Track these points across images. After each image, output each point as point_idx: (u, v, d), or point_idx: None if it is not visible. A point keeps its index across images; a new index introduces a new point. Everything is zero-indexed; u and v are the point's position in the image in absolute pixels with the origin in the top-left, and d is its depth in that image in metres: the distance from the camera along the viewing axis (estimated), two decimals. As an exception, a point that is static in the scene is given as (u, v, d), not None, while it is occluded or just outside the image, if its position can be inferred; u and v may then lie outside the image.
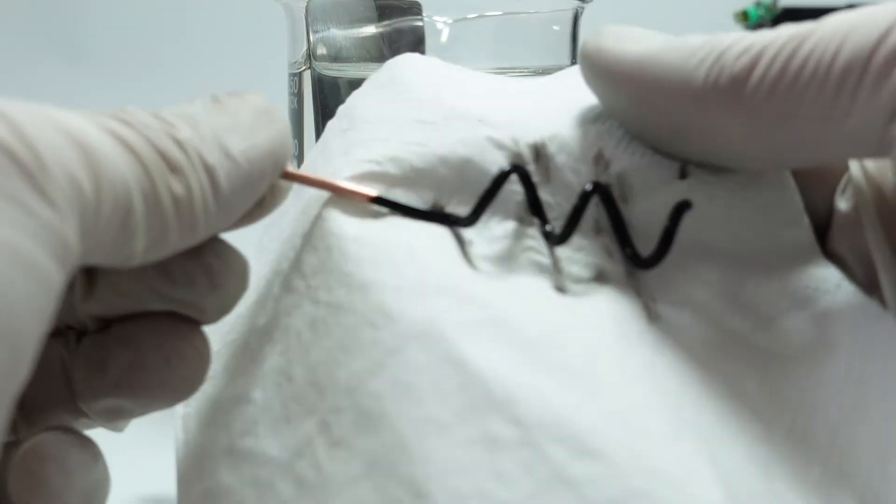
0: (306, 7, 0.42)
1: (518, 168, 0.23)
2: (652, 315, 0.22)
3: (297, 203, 0.25)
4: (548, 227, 0.23)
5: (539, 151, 0.24)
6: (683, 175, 0.24)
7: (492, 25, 0.43)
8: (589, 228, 0.23)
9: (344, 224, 0.23)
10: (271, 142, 0.23)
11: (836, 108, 0.21)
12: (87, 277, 0.24)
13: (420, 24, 0.42)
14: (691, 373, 0.21)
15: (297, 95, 0.45)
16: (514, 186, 0.24)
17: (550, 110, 0.25)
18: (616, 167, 0.24)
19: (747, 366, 0.21)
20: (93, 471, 0.24)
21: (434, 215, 0.23)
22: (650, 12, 0.87)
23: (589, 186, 0.23)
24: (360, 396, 0.21)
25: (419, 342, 0.21)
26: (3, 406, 0.17)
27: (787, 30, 0.22)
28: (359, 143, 0.25)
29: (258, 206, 0.24)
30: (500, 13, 0.42)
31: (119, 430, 0.25)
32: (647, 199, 0.23)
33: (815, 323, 0.22)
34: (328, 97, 0.43)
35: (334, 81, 0.43)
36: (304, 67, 0.44)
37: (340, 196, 0.24)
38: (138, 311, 0.24)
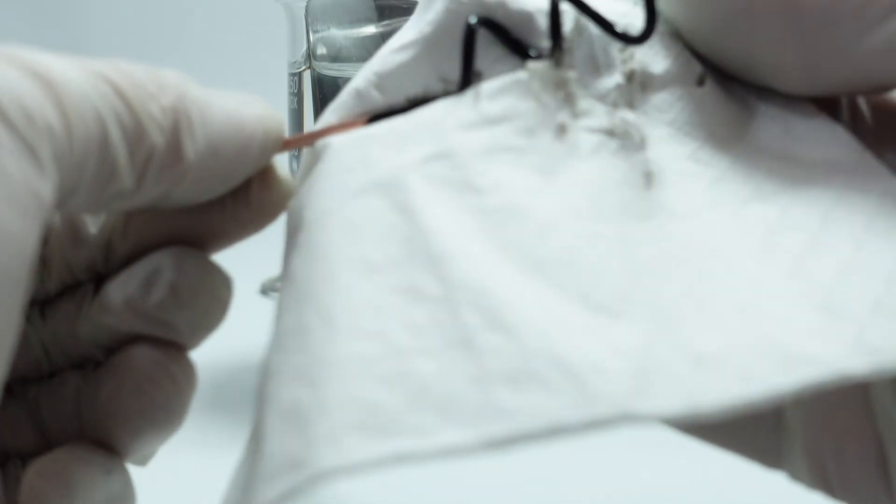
0: (306, 7, 0.42)
1: (486, 21, 0.23)
2: (650, 180, 0.21)
3: None
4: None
5: (577, 21, 0.23)
6: (701, 83, 0.23)
7: (492, 25, 0.43)
8: (612, 87, 0.23)
9: None
10: (262, 112, 0.23)
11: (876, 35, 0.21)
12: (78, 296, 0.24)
13: (420, 24, 0.42)
14: (677, 237, 0.20)
15: (297, 95, 0.45)
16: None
17: None
18: (639, 59, 0.23)
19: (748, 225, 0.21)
20: (105, 486, 0.23)
21: (429, 98, 0.23)
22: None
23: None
24: (315, 230, 0.21)
25: (382, 189, 0.21)
26: None
27: None
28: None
29: (259, 210, 0.23)
30: (500, 13, 0.42)
31: (141, 464, 0.25)
32: (664, 91, 0.23)
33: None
34: (328, 97, 0.43)
35: (334, 81, 0.43)
36: (304, 67, 0.44)
37: (338, 132, 0.24)
38: (126, 336, 0.24)
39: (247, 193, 0.23)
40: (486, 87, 0.22)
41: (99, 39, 0.80)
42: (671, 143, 0.22)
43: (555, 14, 0.23)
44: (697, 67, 0.23)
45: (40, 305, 0.24)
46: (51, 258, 0.24)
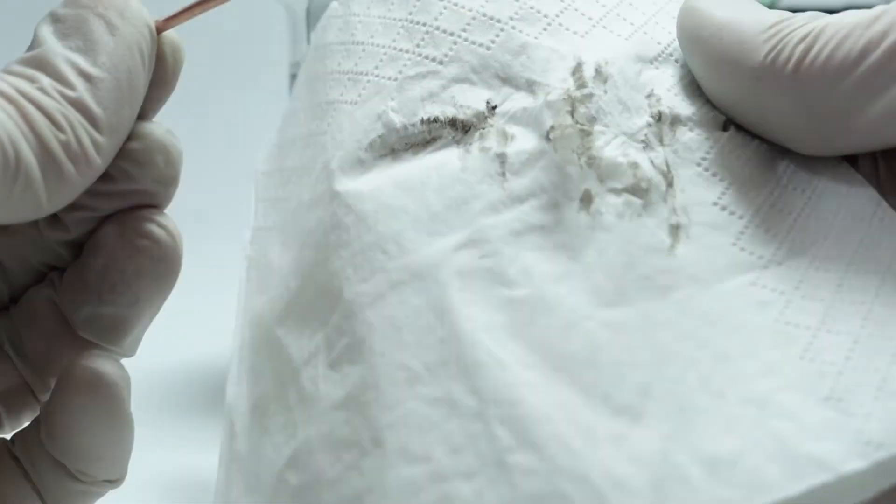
0: (306, 7, 0.42)
1: None
2: (675, 236, 0.22)
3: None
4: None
5: (599, 69, 0.24)
6: (725, 128, 0.24)
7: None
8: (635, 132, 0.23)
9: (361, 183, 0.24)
10: (126, 34, 0.23)
11: (880, 99, 0.21)
12: None
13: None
14: (698, 313, 0.21)
15: (298, 95, 0.45)
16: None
17: (613, 39, 0.25)
18: (666, 104, 0.24)
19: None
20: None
21: None
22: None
23: None
24: (357, 323, 0.22)
25: (418, 282, 0.22)
26: None
27: (850, 17, 0.22)
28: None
29: (162, 81, 0.24)
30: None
31: (131, 352, 0.25)
32: (692, 131, 0.24)
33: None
34: (328, 97, 0.43)
35: (334, 81, 0.43)
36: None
37: (212, 6, 0.26)
38: (97, 221, 0.24)
39: (157, 81, 0.25)
40: (512, 158, 0.23)
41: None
42: (700, 184, 0.23)
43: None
44: (721, 115, 0.24)
45: None
46: None
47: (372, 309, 0.22)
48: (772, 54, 0.22)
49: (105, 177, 0.23)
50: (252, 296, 0.25)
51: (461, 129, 0.24)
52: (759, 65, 0.22)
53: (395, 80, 0.25)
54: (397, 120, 0.24)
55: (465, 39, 0.25)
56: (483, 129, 0.24)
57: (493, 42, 0.25)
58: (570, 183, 0.22)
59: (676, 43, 0.25)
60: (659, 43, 0.25)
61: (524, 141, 0.23)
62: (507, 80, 0.24)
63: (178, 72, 0.25)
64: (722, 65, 0.23)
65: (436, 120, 0.24)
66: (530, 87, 0.24)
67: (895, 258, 0.22)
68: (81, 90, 0.22)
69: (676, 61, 0.25)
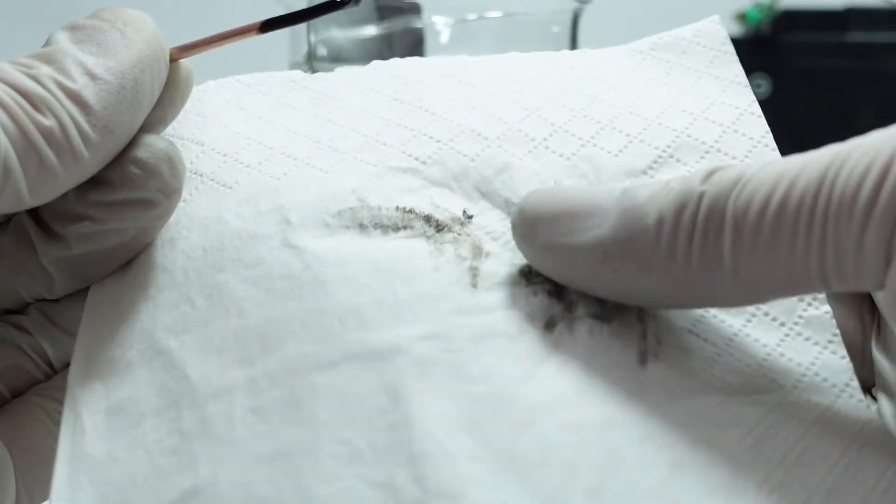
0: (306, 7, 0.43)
1: None
2: (645, 357, 0.22)
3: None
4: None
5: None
6: None
7: (492, 26, 0.43)
8: None
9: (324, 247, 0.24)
10: (139, 49, 0.23)
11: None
12: (36, 223, 0.24)
13: (420, 25, 0.42)
14: (664, 421, 0.21)
15: (298, 96, 0.45)
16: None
17: (601, 157, 0.25)
18: None
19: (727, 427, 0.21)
20: None
21: (324, 7, 0.24)
22: (648, 13, 0.86)
23: None
24: (300, 382, 0.21)
25: (375, 362, 0.21)
26: None
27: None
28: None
29: (170, 102, 0.24)
30: (500, 14, 0.43)
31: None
32: None
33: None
34: (328, 98, 0.43)
35: (335, 82, 0.43)
36: (304, 68, 0.44)
37: (232, 41, 0.25)
38: (100, 238, 0.24)
39: (164, 105, 0.25)
40: (484, 275, 0.23)
41: (99, 40, 0.80)
42: (674, 313, 0.22)
43: None
44: None
45: None
46: None
47: (320, 374, 0.21)
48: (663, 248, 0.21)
49: (106, 185, 0.23)
50: (126, 279, 0.24)
51: (434, 226, 0.24)
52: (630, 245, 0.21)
53: (375, 166, 0.25)
54: (373, 199, 0.24)
55: (451, 148, 0.25)
56: (458, 235, 0.24)
57: (477, 155, 0.25)
58: (540, 310, 0.22)
59: (679, 140, 0.24)
60: (656, 147, 0.25)
61: (498, 264, 0.23)
62: (486, 194, 0.24)
63: (187, 96, 0.26)
64: (580, 268, 0.22)
65: (411, 211, 0.24)
66: (507, 206, 0.24)
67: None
68: (81, 84, 0.22)
69: (677, 161, 0.24)
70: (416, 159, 0.25)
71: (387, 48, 0.43)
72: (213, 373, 0.22)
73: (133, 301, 0.23)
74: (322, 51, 0.43)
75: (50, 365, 0.25)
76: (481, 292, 0.23)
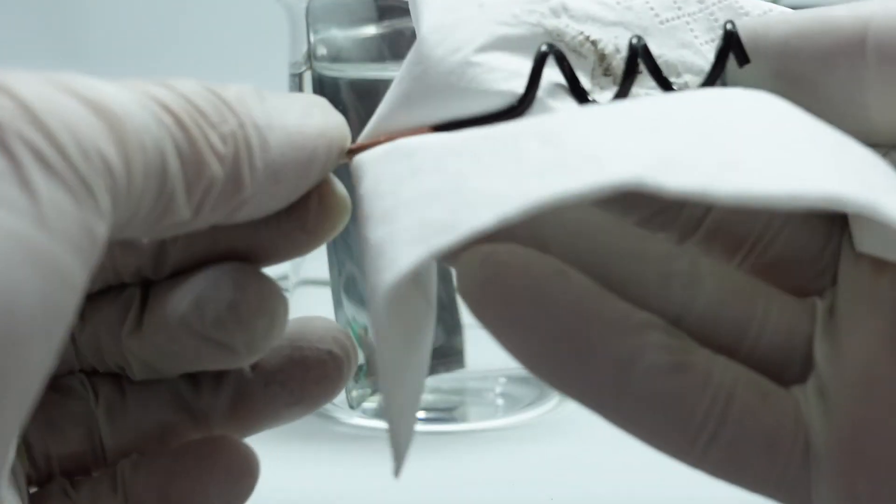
0: (307, 7, 0.42)
1: (552, 47, 0.24)
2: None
3: None
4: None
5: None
6: None
7: (492, 26, 0.43)
8: None
9: None
10: (322, 122, 0.22)
11: None
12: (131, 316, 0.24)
13: (420, 24, 0.42)
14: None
15: (298, 96, 0.45)
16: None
17: None
18: None
19: None
20: None
21: (487, 118, 0.24)
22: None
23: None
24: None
25: None
26: (11, 410, 0.16)
27: None
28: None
29: (314, 234, 0.23)
30: (501, 14, 0.42)
31: None
32: None
33: None
34: (328, 98, 0.43)
35: (335, 82, 0.43)
36: (304, 68, 0.44)
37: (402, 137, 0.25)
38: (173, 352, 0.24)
39: (304, 214, 0.23)
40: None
41: (98, 39, 0.80)
42: None
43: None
44: None
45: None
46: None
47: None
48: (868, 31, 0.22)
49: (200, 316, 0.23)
50: None
51: (603, 69, 0.25)
52: (857, 44, 0.22)
53: None
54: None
55: (648, 5, 0.26)
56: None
57: (667, 21, 0.26)
58: None
59: None
60: None
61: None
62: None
63: (331, 229, 0.24)
64: (812, 65, 0.23)
65: (594, 43, 0.25)
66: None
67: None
68: (262, 118, 0.21)
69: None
70: None
71: (387, 48, 0.43)
72: None
73: None
74: (322, 50, 0.43)
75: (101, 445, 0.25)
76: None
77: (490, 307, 0.23)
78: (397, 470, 0.21)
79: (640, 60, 0.24)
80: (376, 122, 0.24)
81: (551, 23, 0.25)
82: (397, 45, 0.42)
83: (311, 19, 0.43)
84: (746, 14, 0.26)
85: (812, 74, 0.23)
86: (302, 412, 0.25)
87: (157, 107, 0.19)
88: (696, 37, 0.25)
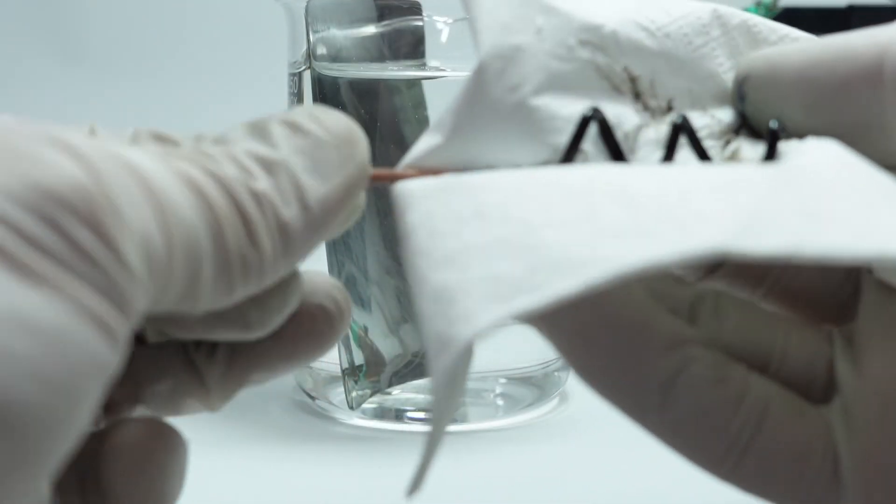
0: (306, 7, 0.42)
1: (597, 112, 0.24)
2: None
3: None
4: None
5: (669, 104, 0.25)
6: None
7: (492, 25, 0.43)
8: None
9: None
10: (350, 176, 0.22)
11: None
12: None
13: (420, 24, 0.42)
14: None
15: (297, 95, 0.45)
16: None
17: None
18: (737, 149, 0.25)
19: None
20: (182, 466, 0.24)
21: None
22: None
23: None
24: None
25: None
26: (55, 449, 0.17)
27: None
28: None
29: (313, 326, 0.24)
30: (500, 13, 0.42)
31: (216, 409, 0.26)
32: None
33: None
34: (328, 97, 0.43)
35: (334, 81, 0.43)
36: (304, 67, 0.44)
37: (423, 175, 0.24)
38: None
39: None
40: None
41: (98, 39, 0.80)
42: None
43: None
44: None
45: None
46: None
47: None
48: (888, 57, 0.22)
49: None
50: None
51: (633, 96, 0.25)
52: (875, 70, 0.22)
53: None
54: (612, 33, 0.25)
55: (682, 32, 0.26)
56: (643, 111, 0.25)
57: (697, 49, 0.26)
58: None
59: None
60: None
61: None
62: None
63: (331, 334, 0.25)
64: (832, 95, 0.23)
65: (630, 73, 0.25)
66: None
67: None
68: (292, 216, 0.21)
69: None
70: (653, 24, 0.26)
71: (387, 47, 0.43)
72: None
73: None
74: (322, 50, 0.43)
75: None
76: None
77: (552, 318, 0.24)
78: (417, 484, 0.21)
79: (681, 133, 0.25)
80: (426, 151, 0.24)
81: (602, 60, 0.25)
82: (397, 44, 0.42)
83: (311, 19, 0.43)
84: (765, 39, 0.26)
85: (830, 102, 0.23)
86: (297, 365, 0.25)
87: (197, 196, 0.20)
88: (720, 64, 0.26)
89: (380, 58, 0.43)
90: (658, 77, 0.25)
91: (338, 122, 0.22)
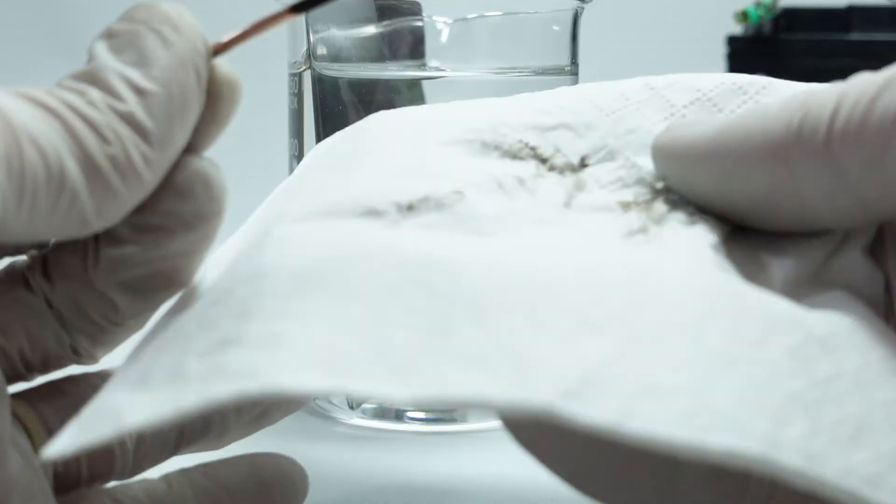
0: (306, 7, 0.42)
1: None
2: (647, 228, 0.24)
3: None
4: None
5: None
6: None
7: (492, 25, 0.43)
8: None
9: None
10: (180, 48, 0.23)
11: None
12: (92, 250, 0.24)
13: (420, 24, 0.42)
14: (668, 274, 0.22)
15: (298, 95, 0.45)
16: None
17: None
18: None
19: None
20: None
21: None
22: (651, 13, 0.86)
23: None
24: None
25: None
26: None
27: (868, 76, 0.22)
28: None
29: (219, 108, 0.24)
30: (500, 13, 0.42)
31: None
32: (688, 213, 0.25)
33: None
34: (328, 97, 0.43)
35: (334, 81, 0.43)
36: (304, 67, 0.44)
37: (270, 27, 0.27)
38: (144, 266, 0.24)
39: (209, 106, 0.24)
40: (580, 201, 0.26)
41: (99, 39, 0.80)
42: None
43: None
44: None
45: (41, 267, 0.24)
46: None
47: None
48: (794, 128, 0.22)
49: (142, 209, 0.23)
50: None
51: (547, 167, 0.26)
52: (784, 142, 0.22)
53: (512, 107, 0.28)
54: (503, 128, 0.26)
55: (592, 102, 0.27)
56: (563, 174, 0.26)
57: (613, 112, 0.27)
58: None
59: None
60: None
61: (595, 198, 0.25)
62: (611, 149, 0.26)
63: (233, 111, 0.25)
64: (739, 167, 0.23)
65: (534, 149, 0.26)
66: (627, 162, 0.26)
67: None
68: (132, 104, 0.22)
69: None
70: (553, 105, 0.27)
71: (387, 47, 0.43)
72: None
73: None
74: (322, 50, 0.43)
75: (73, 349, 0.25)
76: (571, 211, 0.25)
77: (542, 444, 0.25)
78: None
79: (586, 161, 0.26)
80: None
81: (489, 136, 0.26)
82: (397, 44, 0.42)
83: (311, 19, 0.43)
84: (703, 95, 0.27)
85: (740, 174, 0.24)
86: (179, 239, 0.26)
87: (46, 112, 0.21)
88: (647, 118, 0.26)
89: (380, 58, 0.43)
90: (562, 142, 0.26)
91: (151, 9, 0.24)
